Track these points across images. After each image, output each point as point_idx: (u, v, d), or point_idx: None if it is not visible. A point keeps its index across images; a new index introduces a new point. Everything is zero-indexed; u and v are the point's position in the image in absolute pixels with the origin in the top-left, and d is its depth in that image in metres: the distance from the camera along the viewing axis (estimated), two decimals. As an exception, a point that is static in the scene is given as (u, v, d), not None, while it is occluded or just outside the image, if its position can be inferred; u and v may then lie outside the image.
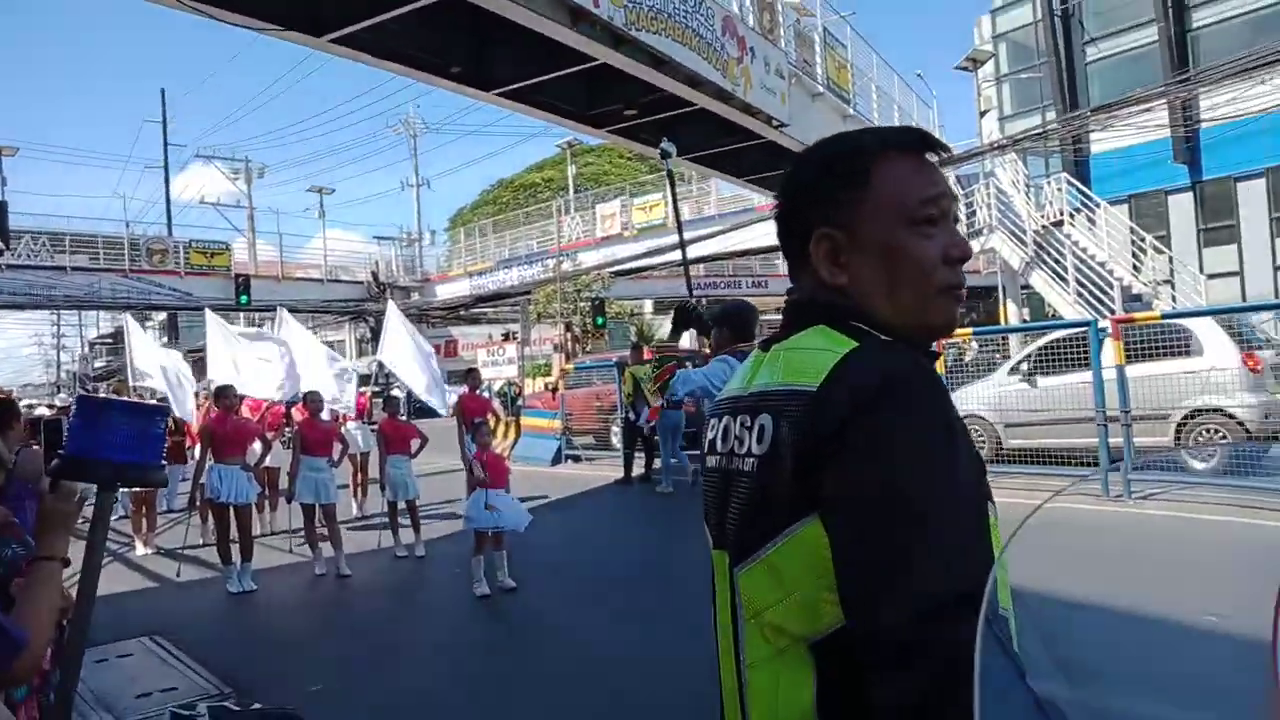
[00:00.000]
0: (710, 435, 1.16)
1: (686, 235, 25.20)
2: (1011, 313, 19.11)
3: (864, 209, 1.04)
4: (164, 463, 2.09)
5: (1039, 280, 16.75)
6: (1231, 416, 8.33)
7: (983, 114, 22.43)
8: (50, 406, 12.62)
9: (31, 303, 26.51)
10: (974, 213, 18.53)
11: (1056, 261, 16.27)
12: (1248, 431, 8.19)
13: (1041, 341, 10.01)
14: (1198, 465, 8.03)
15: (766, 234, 19.36)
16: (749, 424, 1.04)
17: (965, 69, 21.48)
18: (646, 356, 13.86)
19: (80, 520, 1.83)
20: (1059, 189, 17.50)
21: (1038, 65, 21.70)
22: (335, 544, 7.48)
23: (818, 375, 0.95)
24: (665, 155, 6.06)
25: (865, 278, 1.04)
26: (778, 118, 13.67)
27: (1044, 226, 16.99)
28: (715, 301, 13.52)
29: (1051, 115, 20.15)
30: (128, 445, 1.80)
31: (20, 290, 25.16)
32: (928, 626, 0.81)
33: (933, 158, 1.08)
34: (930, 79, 49.48)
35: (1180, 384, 8.35)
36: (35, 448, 6.95)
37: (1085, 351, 8.73)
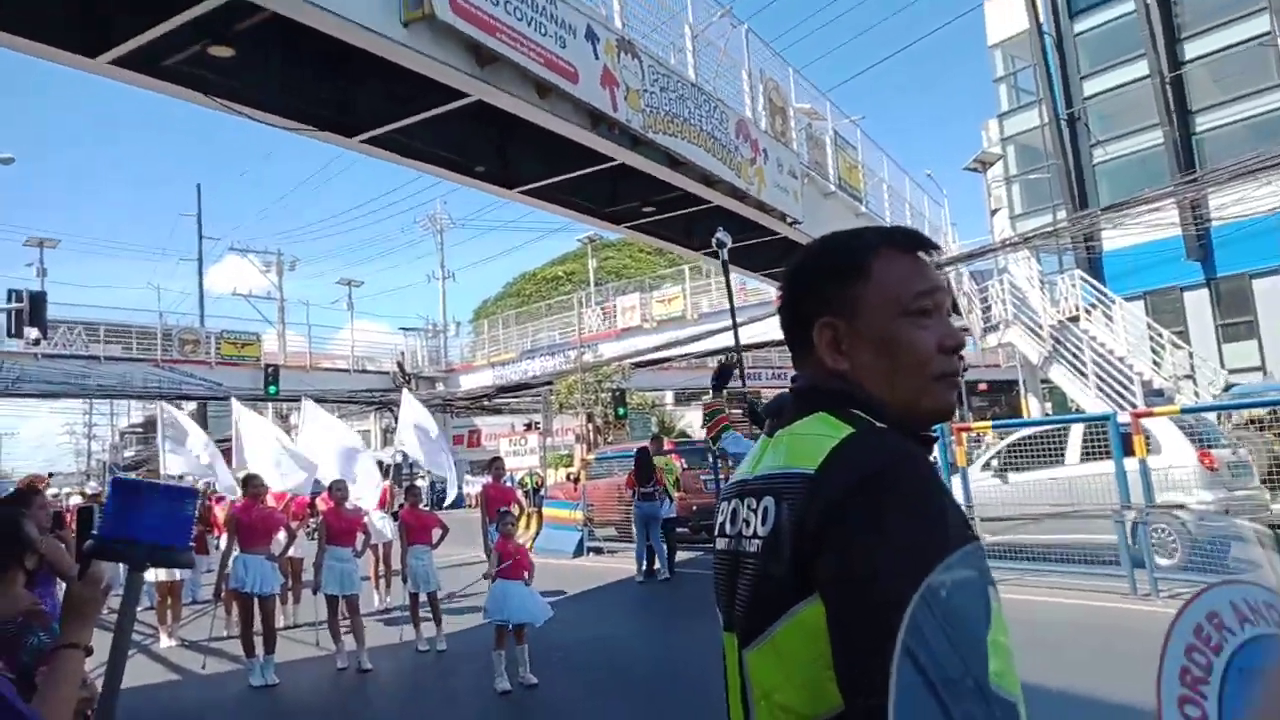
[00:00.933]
0: (721, 518, 1.20)
1: (704, 328, 25.36)
2: (1033, 406, 19.07)
3: (864, 301, 1.10)
4: (192, 547, 2.18)
5: (1059, 374, 16.79)
6: (1178, 516, 8.51)
7: (994, 212, 22.91)
8: (82, 494, 12.80)
9: (65, 391, 27.00)
10: (989, 307, 18.73)
11: (1075, 356, 16.33)
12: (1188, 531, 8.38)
13: (1012, 438, 10.33)
14: (1161, 561, 8.35)
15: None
16: (755, 506, 1.08)
17: (975, 170, 22.05)
18: (667, 447, 13.98)
19: (106, 610, 1.91)
20: (1073, 285, 17.70)
21: (1046, 166, 22.25)
22: (358, 637, 7.47)
23: (816, 459, 0.99)
24: (720, 245, 6.30)
25: (865, 365, 1.10)
26: (791, 215, 14.05)
27: (1060, 321, 17.13)
28: (754, 394, 13.69)
29: (1062, 214, 20.55)
30: (159, 527, 1.85)
31: (55, 379, 25.67)
32: None
33: (926, 256, 1.15)
34: (940, 179, 50.60)
35: (1132, 482, 8.51)
36: (57, 537, 7.08)
37: (1053, 448, 9.43)
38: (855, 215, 16.88)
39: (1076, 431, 9.71)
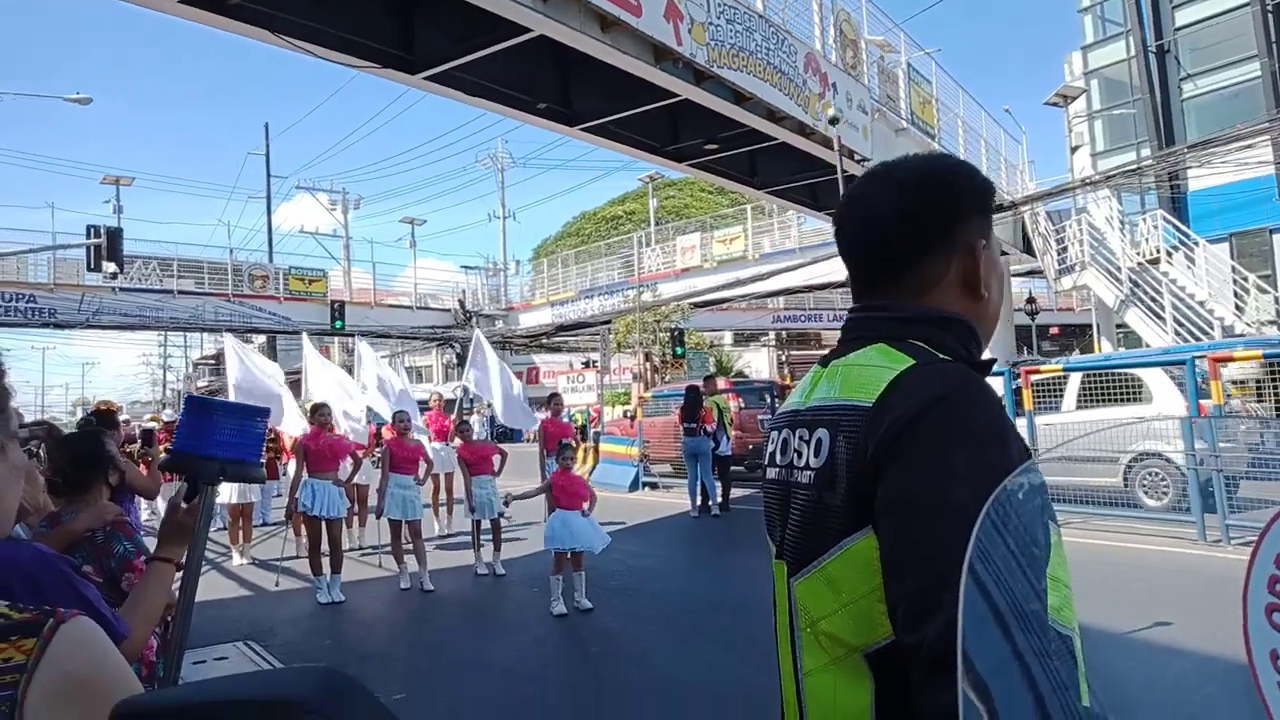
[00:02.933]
0: (770, 448, 1.19)
1: (766, 268, 25.09)
2: (1107, 350, 18.53)
3: (991, 237, 1.11)
4: (262, 463, 2.27)
5: (1135, 318, 16.24)
6: (1170, 460, 8.81)
7: (1074, 149, 21.97)
8: (155, 420, 13.40)
9: (141, 324, 28.05)
10: (1065, 248, 18.13)
11: (1154, 299, 15.76)
12: (1183, 475, 8.47)
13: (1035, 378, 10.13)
14: (1150, 503, 8.90)
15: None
16: (807, 437, 1.07)
17: (1055, 104, 21.13)
18: (723, 386, 13.99)
19: None
20: (1155, 226, 16.98)
21: (1131, 101, 21.16)
22: (420, 560, 7.75)
23: (875, 391, 0.98)
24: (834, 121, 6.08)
25: (959, 301, 1.09)
26: (860, 152, 13.70)
27: (1139, 264, 16.50)
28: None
29: (1146, 151, 19.61)
30: (231, 443, 1.95)
31: (131, 312, 26.68)
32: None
33: None
34: (1018, 114, 48.39)
35: (1129, 429, 8.86)
36: (144, 456, 7.41)
37: (1128, 389, 9.38)
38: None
39: (1152, 376, 9.43)
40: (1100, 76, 23.34)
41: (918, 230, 1.10)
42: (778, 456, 1.16)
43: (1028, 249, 20.08)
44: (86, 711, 0.73)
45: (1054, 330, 36.59)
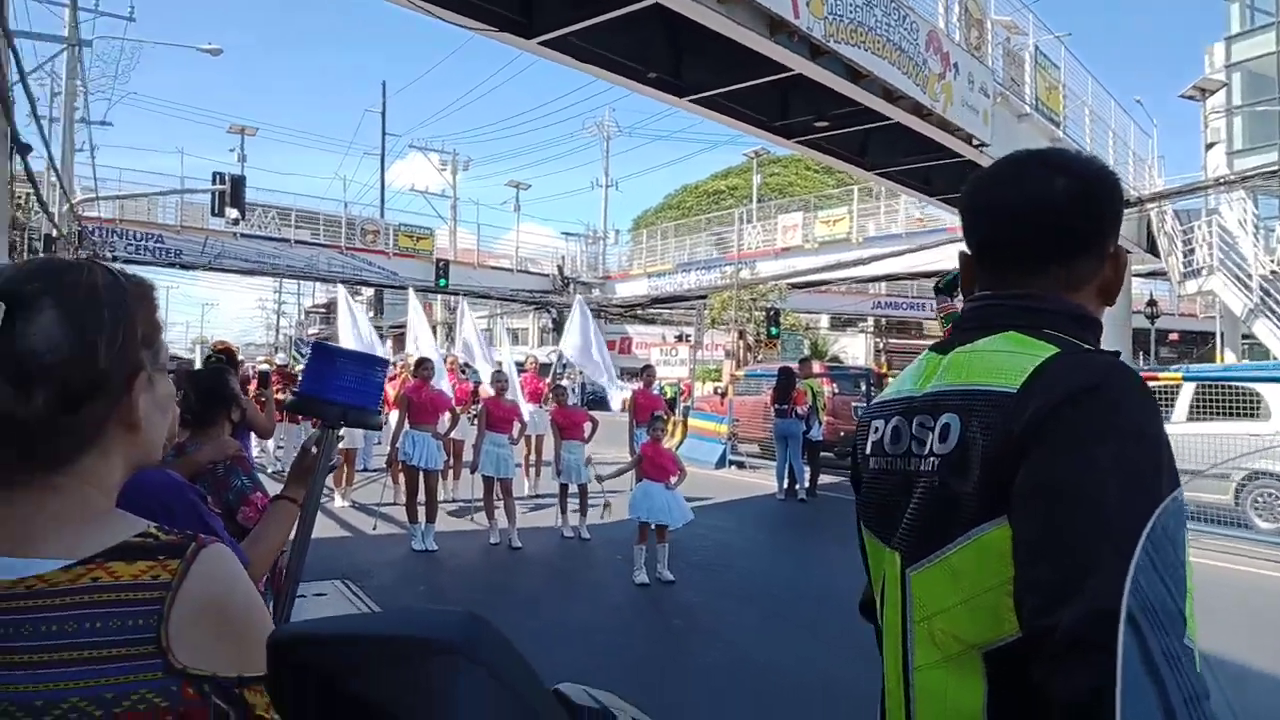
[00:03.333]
0: (874, 437, 1.16)
1: (869, 252, 24.56)
2: (1230, 362, 17.47)
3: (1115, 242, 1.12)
4: (380, 410, 2.35)
5: (1264, 329, 15.23)
6: None
7: (1209, 146, 20.59)
8: (269, 363, 14.08)
9: (259, 269, 29.39)
10: (1193, 250, 17.10)
11: (1286, 310, 14.75)
12: None
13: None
14: (1262, 524, 8.45)
15: (955, 256, 18.65)
16: (929, 424, 1.04)
17: (1192, 98, 19.81)
18: (817, 370, 13.79)
19: None
20: (1294, 231, 15.83)
21: (1277, 98, 19.68)
22: (510, 517, 7.98)
23: (1018, 376, 0.95)
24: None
25: (1092, 304, 1.10)
26: (979, 137, 13.16)
27: (1272, 271, 15.43)
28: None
29: (1291, 151, 18.23)
30: (353, 389, 2.03)
31: (251, 257, 27.99)
32: (1108, 630, 0.74)
33: None
34: (1150, 106, 45.60)
35: (1243, 445, 8.44)
36: (259, 396, 7.79)
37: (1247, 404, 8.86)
38: (1051, 141, 15.61)
39: (1273, 392, 8.86)
40: (1244, 70, 21.73)
41: (1084, 227, 1.09)
42: (886, 445, 1.13)
43: (1151, 249, 19.03)
44: (220, 631, 0.80)
45: (1173, 336, 34.70)
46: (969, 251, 1.19)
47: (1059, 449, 0.89)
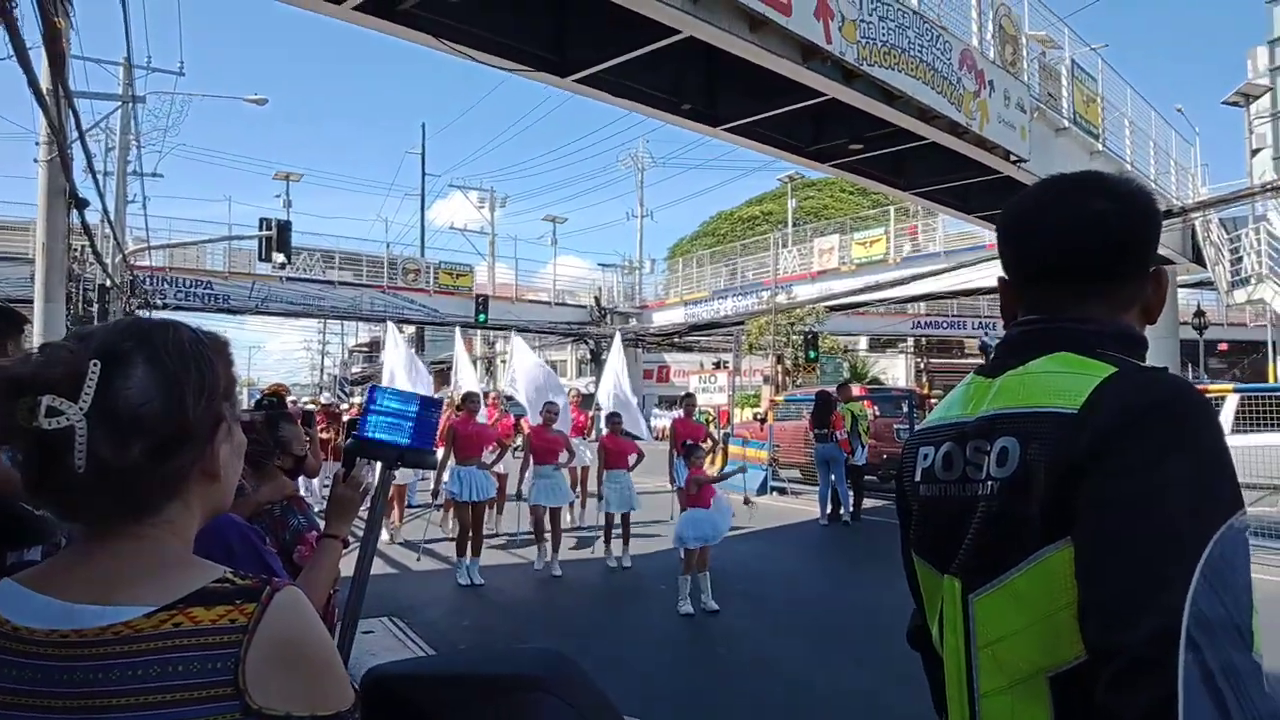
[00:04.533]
0: (924, 464, 1.15)
1: (907, 272, 24.25)
2: (1284, 371, 16.99)
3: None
4: (435, 450, 2.37)
5: (1319, 337, 14.80)
6: None
7: (1255, 152, 20.15)
8: (314, 403, 14.32)
9: (305, 311, 30.05)
10: (1240, 259, 16.71)
11: (1343, 317, 14.31)
12: None
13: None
14: None
15: (995, 272, 18.42)
16: (985, 448, 1.04)
17: (1235, 104, 19.44)
18: (858, 393, 13.66)
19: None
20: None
21: (1324, 100, 19.23)
22: (555, 545, 8.00)
23: (1078, 397, 0.95)
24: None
25: (1136, 324, 1.12)
26: (1016, 153, 13.04)
27: (1327, 277, 15.00)
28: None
29: (1343, 153, 17.79)
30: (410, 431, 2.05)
31: (296, 300, 28.62)
32: (1174, 649, 0.78)
33: None
34: (1192, 114, 44.85)
35: None
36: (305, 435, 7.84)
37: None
38: (1090, 154, 15.42)
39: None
40: (1290, 73, 21.31)
41: (1125, 248, 1.10)
42: (938, 472, 1.12)
43: (1197, 259, 18.62)
44: (294, 671, 0.82)
45: (1222, 346, 33.78)
46: (1007, 277, 1.19)
47: (1127, 466, 0.88)
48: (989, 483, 1.02)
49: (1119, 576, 0.85)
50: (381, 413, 1.94)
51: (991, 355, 1.12)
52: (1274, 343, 17.28)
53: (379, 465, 2.01)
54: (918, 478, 1.17)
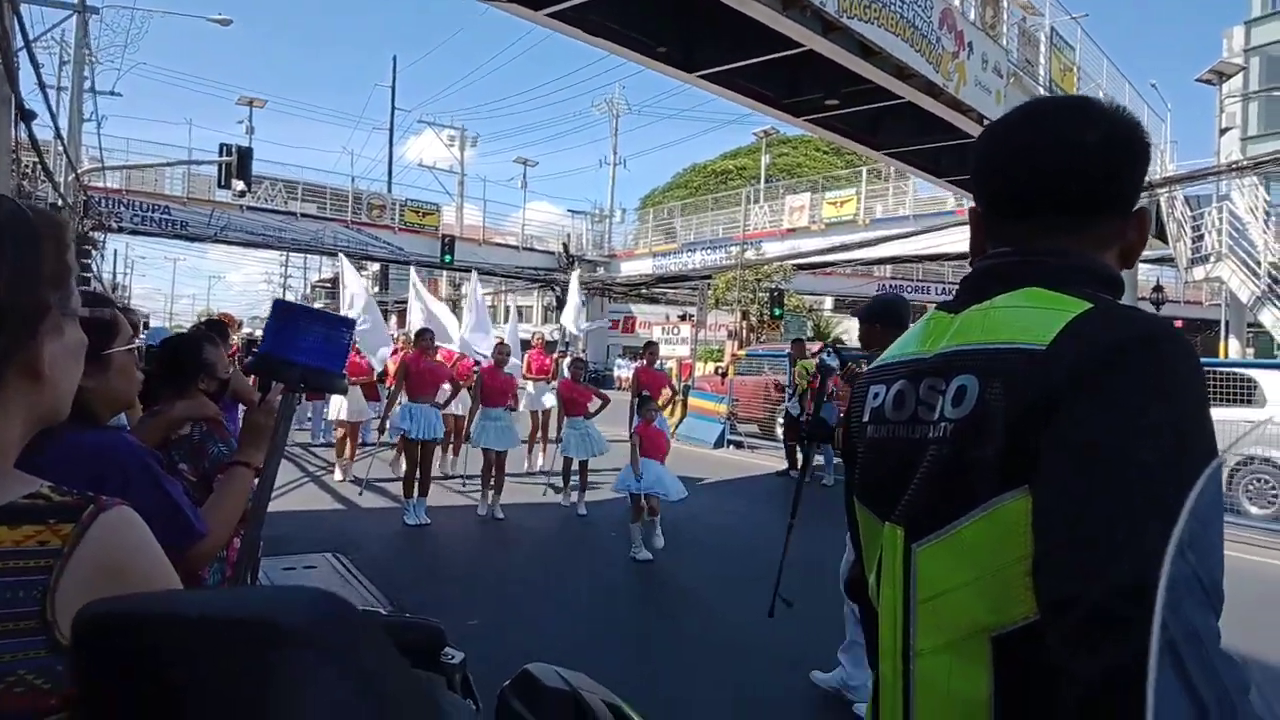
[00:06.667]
0: (874, 404, 1.07)
1: (875, 234, 24.33)
2: (1233, 349, 17.35)
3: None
4: (345, 374, 2.22)
5: (1270, 318, 15.09)
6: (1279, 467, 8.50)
7: (1223, 132, 20.34)
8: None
9: (264, 242, 29.26)
10: (1201, 236, 16.93)
11: (1294, 299, 14.59)
12: None
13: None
14: (1254, 510, 8.56)
15: (962, 239, 18.50)
16: (940, 387, 0.96)
17: (1208, 82, 19.53)
18: (815, 350, 13.68)
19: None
20: (1305, 220, 15.63)
21: (1297, 82, 19.42)
22: (497, 489, 7.96)
23: (1048, 333, 0.86)
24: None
25: (1113, 266, 1.02)
26: (990, 117, 13.00)
27: (1283, 259, 15.26)
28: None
29: (1309, 136, 18.00)
30: (316, 351, 1.89)
31: (256, 230, 27.86)
32: (1141, 605, 0.66)
33: None
34: (1165, 89, 45.08)
35: (1238, 431, 8.37)
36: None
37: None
38: (1060, 124, 15.39)
39: (1268, 379, 8.93)
40: (1263, 54, 21.47)
41: (1112, 179, 1.00)
42: (888, 412, 1.03)
43: (1160, 234, 18.85)
44: None
45: (1178, 323, 34.26)
46: (979, 208, 1.09)
47: (1100, 406, 0.80)
48: (942, 424, 0.93)
49: (1084, 525, 0.76)
50: (285, 329, 1.80)
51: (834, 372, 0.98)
52: (1227, 321, 17.56)
53: (280, 386, 1.88)
54: (866, 418, 1.08)
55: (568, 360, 9.94)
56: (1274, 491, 8.52)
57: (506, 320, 17.23)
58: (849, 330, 36.35)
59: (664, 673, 4.42)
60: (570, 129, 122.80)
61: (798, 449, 11.68)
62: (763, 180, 33.75)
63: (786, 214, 30.59)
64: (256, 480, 1.99)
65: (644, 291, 36.28)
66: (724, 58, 11.80)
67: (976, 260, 1.07)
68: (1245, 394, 8.84)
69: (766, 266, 28.35)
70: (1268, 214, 16.34)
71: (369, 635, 0.48)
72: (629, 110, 47.03)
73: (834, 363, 5.19)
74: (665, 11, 10.96)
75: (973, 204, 1.11)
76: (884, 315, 3.73)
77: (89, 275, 20.85)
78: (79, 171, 19.45)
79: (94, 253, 22.72)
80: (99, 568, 0.71)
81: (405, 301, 13.34)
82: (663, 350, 29.19)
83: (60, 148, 17.07)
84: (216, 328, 4.83)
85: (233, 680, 0.44)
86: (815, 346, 14.31)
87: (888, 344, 3.92)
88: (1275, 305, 14.95)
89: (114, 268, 43.17)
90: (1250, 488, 8.69)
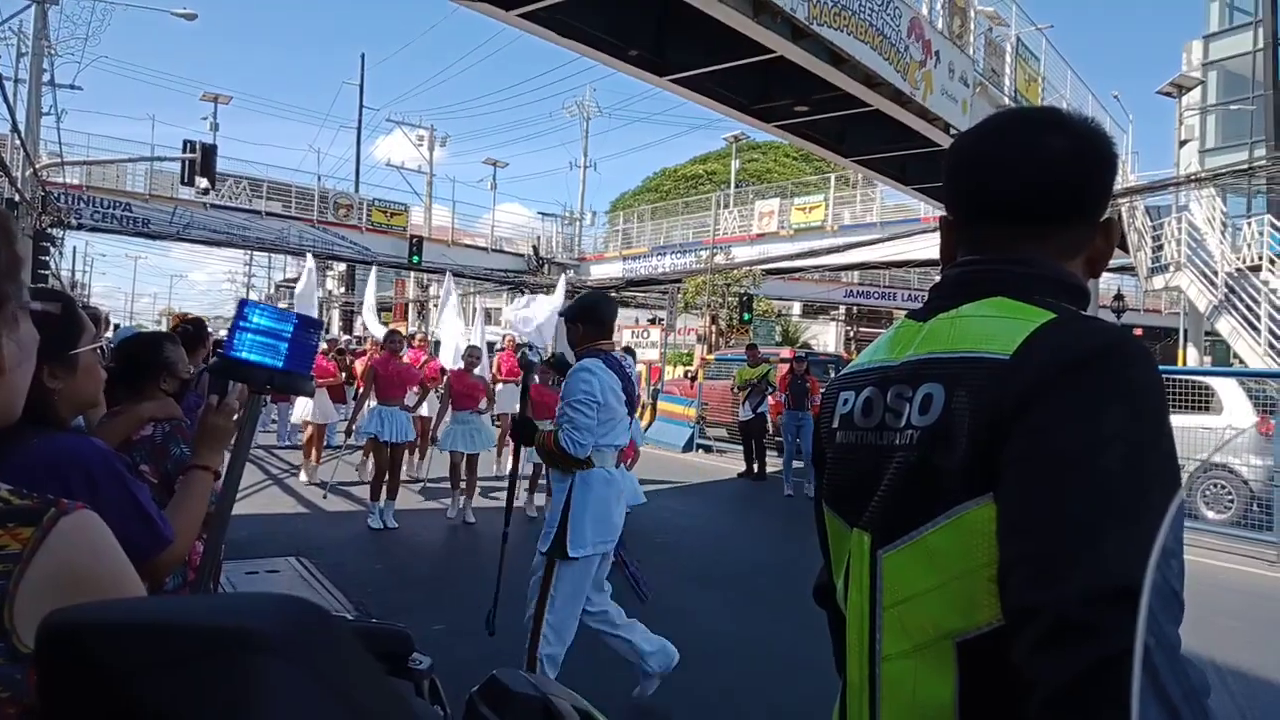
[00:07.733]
0: (843, 410, 1.08)
1: (843, 240, 24.51)
2: (1191, 358, 17.72)
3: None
4: (312, 376, 2.18)
5: (1226, 326, 15.42)
6: (1236, 474, 8.74)
7: (1182, 144, 20.81)
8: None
9: (228, 241, 28.75)
10: (1161, 246, 17.29)
11: (1249, 309, 14.93)
12: (1251, 490, 8.52)
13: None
14: (1211, 515, 8.77)
15: (929, 246, 18.73)
16: (908, 394, 0.97)
17: (1169, 95, 19.98)
18: (786, 354, 13.78)
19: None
20: (1260, 232, 16.02)
21: (1251, 98, 19.93)
22: (468, 493, 7.89)
23: (1011, 343, 0.88)
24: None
25: (1079, 275, 1.03)
26: (956, 126, 13.17)
27: (1238, 270, 15.61)
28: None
29: (1260, 152, 18.47)
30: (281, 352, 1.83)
31: (220, 229, 27.36)
32: (1105, 611, 0.72)
33: None
34: (1128, 102, 46.06)
35: (1196, 438, 8.63)
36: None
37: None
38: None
39: (1225, 386, 9.16)
40: (1220, 68, 21.98)
41: (1080, 188, 1.01)
42: (856, 418, 1.05)
43: (1121, 244, 19.25)
44: None
45: (1138, 331, 35.11)
46: (949, 216, 1.10)
47: (1061, 416, 0.82)
48: (909, 431, 0.95)
49: (1051, 532, 0.78)
50: (251, 330, 1.76)
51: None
52: (1185, 330, 17.95)
53: (244, 389, 1.84)
54: (835, 424, 1.10)
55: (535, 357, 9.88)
56: (1230, 497, 8.72)
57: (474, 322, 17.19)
58: (817, 336, 36.66)
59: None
60: (541, 131, 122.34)
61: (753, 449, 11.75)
62: (733, 185, 33.87)
63: (756, 219, 30.75)
64: (218, 483, 1.95)
65: (613, 295, 36.23)
66: (695, 62, 11.83)
67: (946, 268, 1.09)
68: (1203, 401, 9.03)
69: (736, 271, 28.48)
70: (1225, 225, 16.74)
71: (343, 641, 0.47)
72: (600, 113, 47.09)
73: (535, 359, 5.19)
74: (637, 14, 10.98)
75: (943, 212, 1.12)
76: (583, 315, 3.82)
77: (46, 273, 20.39)
78: (37, 166, 19.05)
79: (52, 250, 22.23)
80: (60, 573, 0.69)
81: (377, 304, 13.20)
82: (636, 355, 29.15)
83: (17, 141, 16.71)
84: (198, 327, 4.73)
85: (204, 690, 0.43)
86: (786, 352, 14.43)
87: (590, 341, 3.86)
88: (1231, 314, 15.30)
89: (73, 265, 42.27)
90: (1207, 493, 8.88)
